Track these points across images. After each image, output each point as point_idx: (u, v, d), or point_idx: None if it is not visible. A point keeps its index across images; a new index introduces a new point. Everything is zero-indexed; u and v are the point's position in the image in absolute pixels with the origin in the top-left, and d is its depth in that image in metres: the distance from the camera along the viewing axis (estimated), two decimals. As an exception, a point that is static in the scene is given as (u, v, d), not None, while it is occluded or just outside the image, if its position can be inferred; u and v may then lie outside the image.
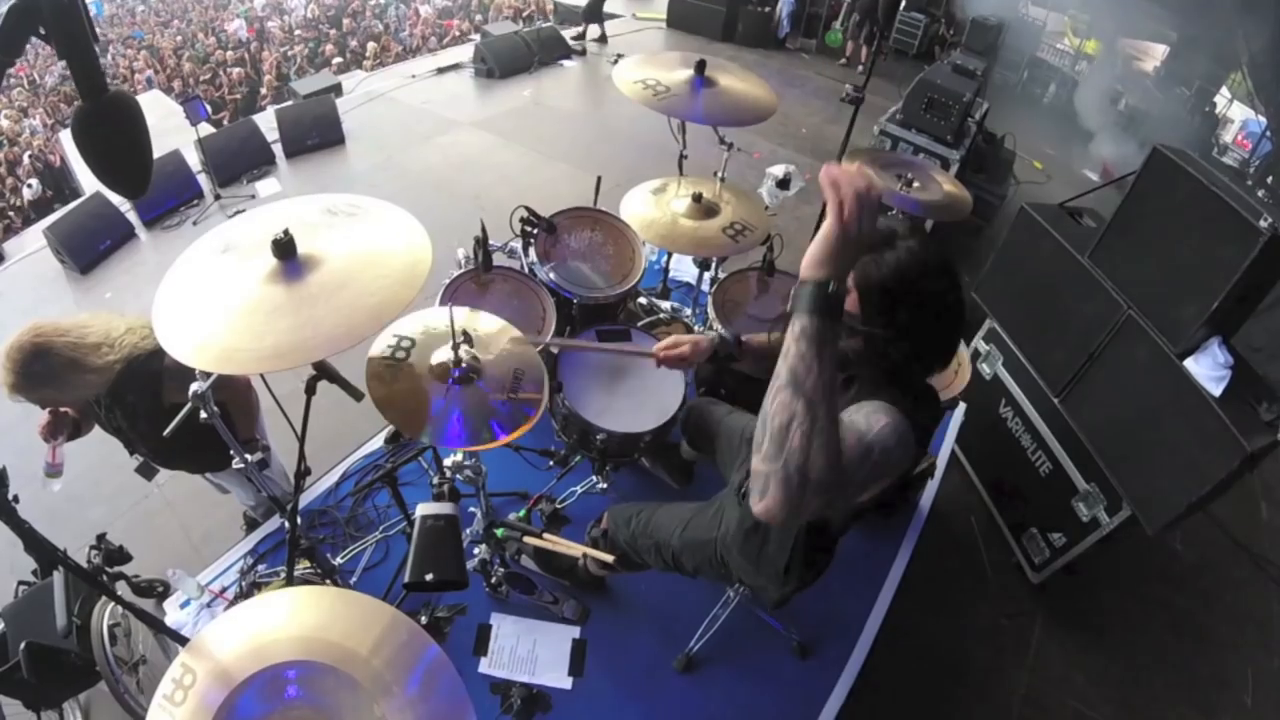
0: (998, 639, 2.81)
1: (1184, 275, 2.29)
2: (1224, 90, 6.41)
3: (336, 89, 7.28)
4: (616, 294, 2.38)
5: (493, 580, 2.14)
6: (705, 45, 8.26)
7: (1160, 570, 3.13)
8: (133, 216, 5.26)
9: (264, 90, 10.36)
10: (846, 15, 8.22)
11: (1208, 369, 2.20)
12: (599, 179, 2.75)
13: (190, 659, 1.04)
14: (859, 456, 1.04)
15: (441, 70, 7.60)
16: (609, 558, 1.80)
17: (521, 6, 12.97)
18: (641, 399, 2.18)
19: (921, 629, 2.64)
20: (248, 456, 1.83)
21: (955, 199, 2.60)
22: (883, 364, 1.19)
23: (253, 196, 5.50)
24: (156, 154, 1.08)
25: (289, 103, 7.05)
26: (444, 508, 1.55)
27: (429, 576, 1.46)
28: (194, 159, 5.57)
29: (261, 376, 1.57)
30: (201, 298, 1.26)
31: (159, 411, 1.82)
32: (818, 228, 0.95)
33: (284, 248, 1.24)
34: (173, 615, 2.05)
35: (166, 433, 1.65)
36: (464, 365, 1.54)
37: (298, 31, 12.27)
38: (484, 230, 2.27)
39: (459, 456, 1.75)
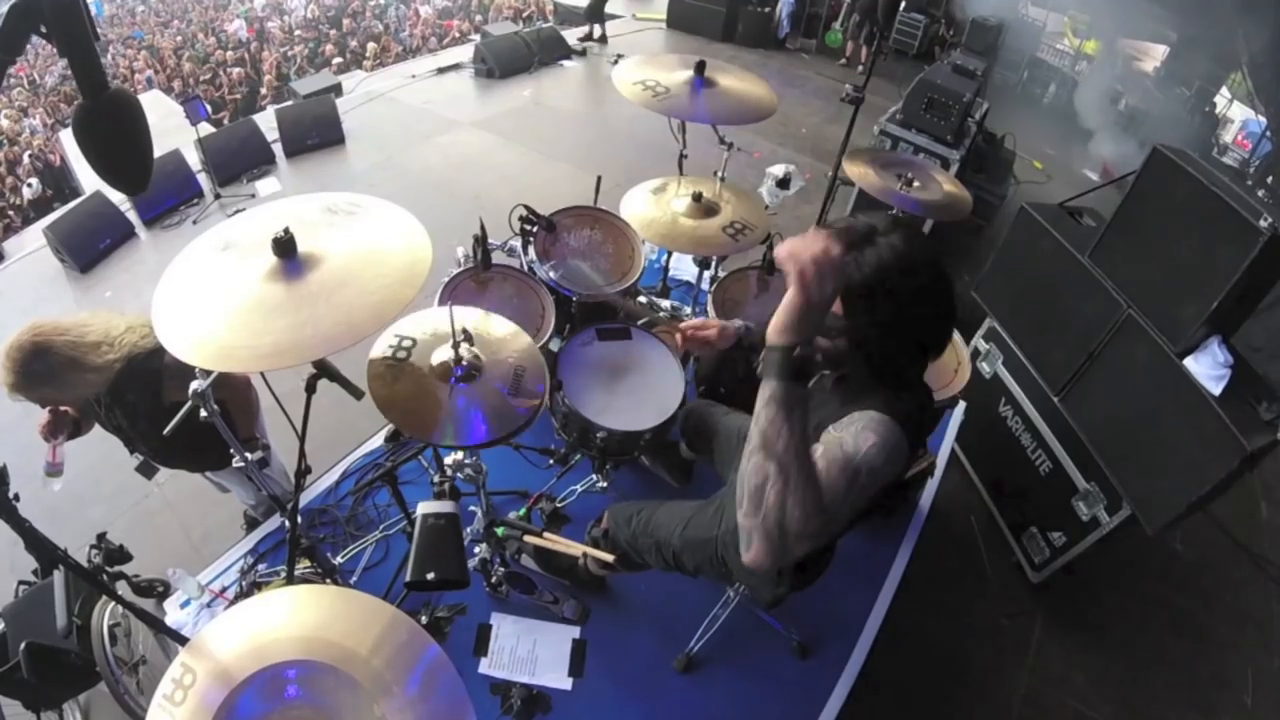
0: (998, 639, 2.80)
1: (1184, 275, 2.29)
2: (1224, 90, 6.41)
3: (336, 89, 7.29)
4: (615, 292, 2.38)
5: (493, 580, 2.14)
6: (705, 45, 8.26)
7: (1160, 570, 3.13)
8: (133, 215, 5.26)
9: (264, 90, 10.37)
10: (846, 15, 8.23)
11: (1208, 368, 2.20)
12: (599, 179, 2.75)
13: (190, 658, 1.04)
14: (846, 485, 1.04)
15: (441, 70, 7.60)
16: (609, 557, 1.80)
17: (521, 7, 12.97)
18: (641, 397, 2.18)
19: (921, 629, 2.64)
20: (248, 455, 1.83)
21: (955, 199, 2.60)
22: (871, 361, 1.19)
23: (253, 196, 5.50)
24: (157, 154, 1.08)
25: (289, 103, 7.05)
26: (445, 506, 1.55)
27: (430, 575, 1.46)
28: (194, 158, 5.58)
29: (262, 375, 1.57)
30: (202, 296, 1.26)
31: (159, 410, 1.82)
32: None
33: (284, 246, 1.24)
34: (173, 615, 2.04)
35: (166, 431, 1.65)
36: (464, 363, 1.54)
37: (298, 32, 12.28)
38: (483, 228, 2.27)
39: (459, 455, 1.75)
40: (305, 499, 2.35)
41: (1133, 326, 2.44)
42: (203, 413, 1.60)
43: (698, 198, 2.36)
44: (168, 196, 5.35)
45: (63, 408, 1.94)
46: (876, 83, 4.00)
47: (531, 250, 2.37)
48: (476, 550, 2.09)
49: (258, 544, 2.24)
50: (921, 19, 7.89)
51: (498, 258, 2.39)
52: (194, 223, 5.22)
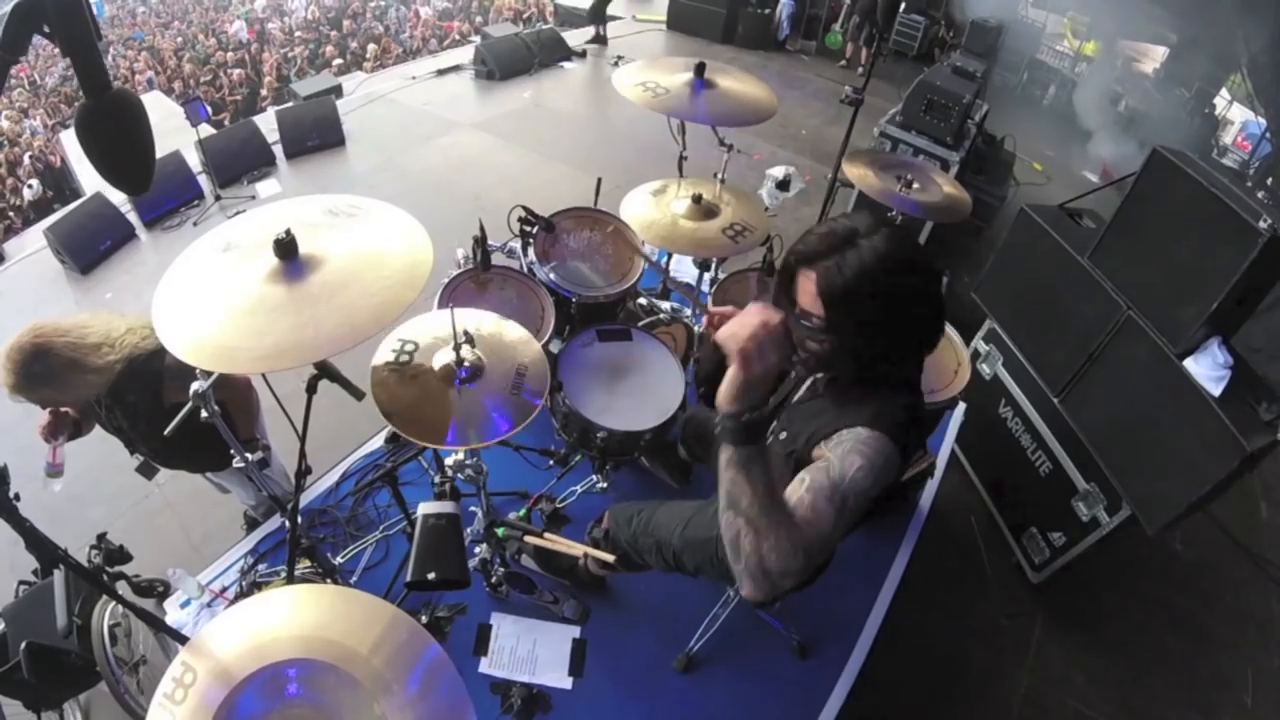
0: (998, 639, 2.81)
1: (1184, 276, 2.29)
2: (1224, 92, 6.43)
3: (337, 90, 7.29)
4: (615, 293, 2.38)
5: (493, 580, 2.14)
6: (705, 47, 8.27)
7: (1160, 570, 3.13)
8: (133, 217, 5.27)
9: (264, 91, 10.38)
10: (846, 17, 8.24)
11: (1207, 369, 2.21)
12: (599, 180, 2.76)
13: (191, 657, 1.04)
14: (835, 513, 1.04)
15: (442, 72, 7.61)
16: (610, 557, 1.80)
17: (522, 8, 13.00)
18: (642, 398, 2.18)
19: (921, 629, 2.65)
20: (248, 456, 1.83)
21: (955, 200, 2.60)
22: (860, 362, 1.19)
23: (253, 197, 5.51)
24: (157, 155, 1.08)
25: (289, 104, 7.07)
26: (446, 506, 1.55)
27: (431, 575, 1.46)
28: (194, 160, 5.58)
29: (263, 376, 1.57)
30: (202, 297, 1.26)
31: (159, 411, 1.82)
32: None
33: (286, 247, 1.24)
34: (173, 615, 2.05)
35: (167, 432, 1.65)
36: (467, 365, 1.54)
37: (298, 33, 12.29)
38: (483, 230, 2.28)
39: (460, 455, 1.76)
40: (305, 499, 2.35)
41: (1133, 328, 2.44)
42: (203, 414, 1.61)
43: (698, 199, 2.37)
44: (168, 198, 5.36)
45: (63, 409, 1.94)
46: (876, 84, 4.01)
47: (531, 251, 2.38)
48: (477, 550, 2.10)
49: (258, 544, 2.24)
50: (921, 20, 7.91)
51: (497, 259, 2.39)
52: (194, 224, 5.23)
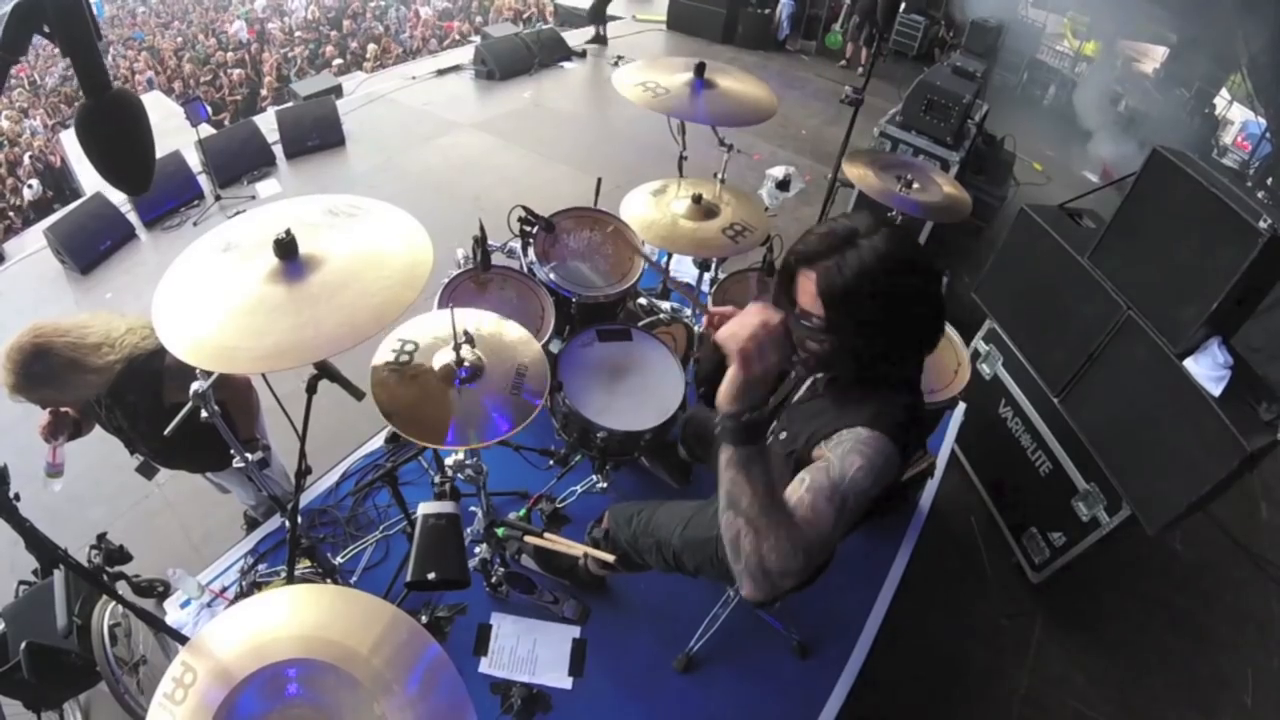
0: (998, 639, 2.81)
1: (1184, 276, 2.29)
2: (1224, 92, 6.42)
3: (337, 90, 7.29)
4: (615, 293, 2.38)
5: (493, 580, 2.14)
6: (705, 47, 8.28)
7: (1160, 570, 3.13)
8: (133, 217, 5.27)
9: (264, 91, 10.38)
10: (846, 17, 8.25)
11: (1207, 369, 2.21)
12: (599, 180, 2.76)
13: (191, 657, 1.04)
14: (835, 513, 1.04)
15: (442, 72, 7.61)
16: (610, 557, 1.80)
17: (522, 8, 13.00)
18: (642, 398, 2.18)
19: (921, 629, 2.65)
20: (248, 456, 1.83)
21: (955, 200, 2.60)
22: (860, 362, 1.20)
23: (253, 197, 5.51)
24: (157, 154, 1.08)
25: (289, 104, 7.07)
26: (446, 506, 1.55)
27: (431, 575, 1.46)
28: (194, 160, 5.58)
29: (263, 376, 1.57)
30: (202, 297, 1.26)
31: (159, 411, 1.82)
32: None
33: (286, 247, 1.24)
34: (173, 615, 2.05)
35: (167, 432, 1.65)
36: (467, 365, 1.54)
37: (298, 33, 12.30)
38: (482, 230, 2.28)
39: (460, 455, 1.76)
40: (305, 499, 2.35)
41: (1132, 327, 2.45)
42: (203, 414, 1.61)
43: (698, 199, 2.37)
44: (168, 198, 5.36)
45: (63, 409, 1.94)
46: (876, 84, 4.01)
47: (531, 251, 2.38)
48: (477, 550, 2.10)
49: (258, 544, 2.24)
50: (921, 20, 7.91)
51: (497, 259, 2.39)
52: (194, 224, 5.23)
